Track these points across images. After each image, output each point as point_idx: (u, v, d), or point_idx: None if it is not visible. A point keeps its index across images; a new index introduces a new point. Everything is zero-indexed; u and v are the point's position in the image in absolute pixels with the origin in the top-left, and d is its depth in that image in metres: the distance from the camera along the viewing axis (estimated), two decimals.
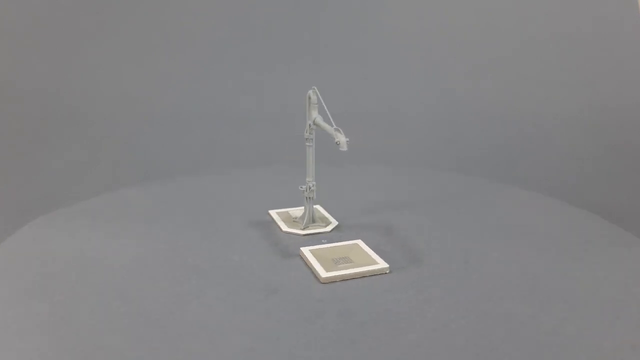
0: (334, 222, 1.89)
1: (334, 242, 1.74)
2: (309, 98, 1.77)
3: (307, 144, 1.81)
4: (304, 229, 1.83)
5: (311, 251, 1.66)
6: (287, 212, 1.98)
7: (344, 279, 1.52)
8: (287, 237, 1.80)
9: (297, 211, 1.96)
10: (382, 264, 1.57)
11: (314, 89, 1.77)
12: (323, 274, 1.53)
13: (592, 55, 3.52)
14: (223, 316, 1.35)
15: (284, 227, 1.85)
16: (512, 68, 3.59)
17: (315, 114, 1.75)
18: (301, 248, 1.68)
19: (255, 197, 2.16)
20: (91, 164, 3.30)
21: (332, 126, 1.63)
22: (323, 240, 1.75)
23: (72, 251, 1.68)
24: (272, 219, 1.93)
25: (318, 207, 1.99)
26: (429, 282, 1.51)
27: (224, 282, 1.51)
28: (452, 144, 3.39)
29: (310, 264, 1.59)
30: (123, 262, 1.61)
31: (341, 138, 1.56)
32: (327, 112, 1.70)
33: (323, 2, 3.81)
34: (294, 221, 1.89)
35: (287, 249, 1.71)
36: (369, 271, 1.55)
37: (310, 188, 1.83)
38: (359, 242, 1.73)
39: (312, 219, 1.86)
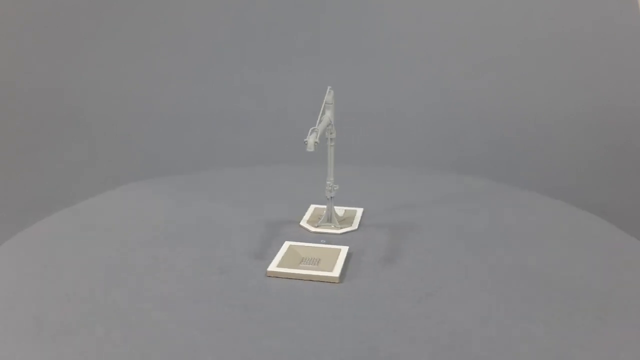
0: (353, 227, 1.86)
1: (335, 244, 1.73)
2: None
3: (330, 143, 1.82)
4: (317, 226, 1.84)
5: (291, 246, 1.68)
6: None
7: (289, 278, 1.54)
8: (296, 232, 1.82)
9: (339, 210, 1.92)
10: (334, 273, 1.54)
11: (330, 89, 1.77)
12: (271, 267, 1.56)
13: (592, 55, 3.52)
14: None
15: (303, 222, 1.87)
16: (512, 68, 3.59)
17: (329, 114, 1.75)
18: (286, 242, 1.71)
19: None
20: (91, 164, 3.30)
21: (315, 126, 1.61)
22: (322, 241, 1.76)
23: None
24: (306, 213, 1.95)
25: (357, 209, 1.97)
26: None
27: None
28: (452, 144, 3.39)
29: (277, 257, 1.62)
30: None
31: (310, 139, 1.53)
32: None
33: (323, 2, 3.81)
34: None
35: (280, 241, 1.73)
36: (317, 276, 1.54)
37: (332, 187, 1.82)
38: (344, 248, 1.67)
39: (329, 219, 1.86)
